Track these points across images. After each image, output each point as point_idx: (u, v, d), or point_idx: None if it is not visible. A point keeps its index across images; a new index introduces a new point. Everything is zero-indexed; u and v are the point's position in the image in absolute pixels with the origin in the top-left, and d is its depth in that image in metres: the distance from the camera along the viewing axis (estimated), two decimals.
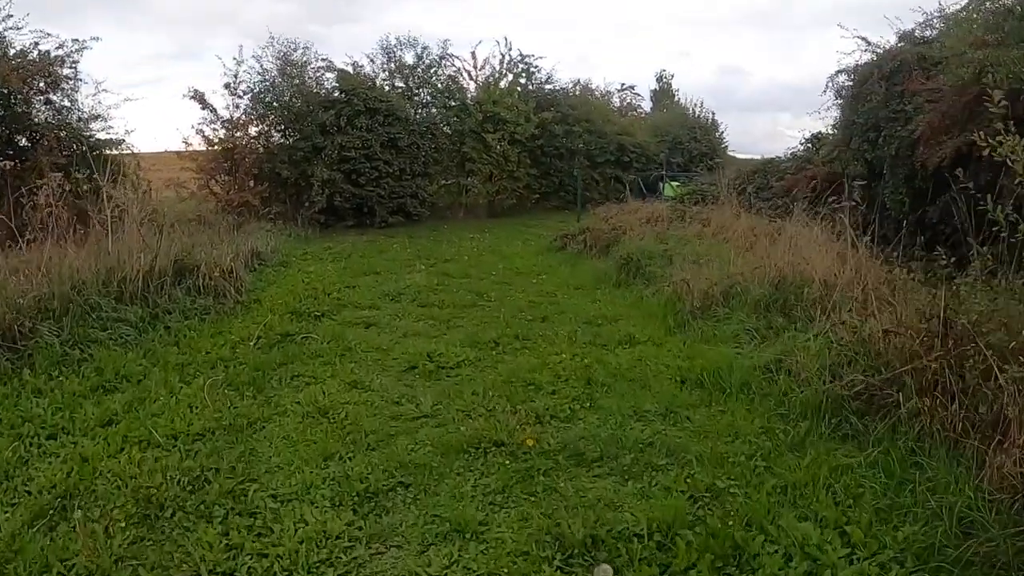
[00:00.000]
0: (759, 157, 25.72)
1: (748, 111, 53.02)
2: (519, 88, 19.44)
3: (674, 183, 18.21)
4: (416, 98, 17.20)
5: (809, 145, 14.02)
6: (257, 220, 13.44)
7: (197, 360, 5.43)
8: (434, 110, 17.53)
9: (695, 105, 23.44)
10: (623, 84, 25.45)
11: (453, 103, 17.79)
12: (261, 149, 14.96)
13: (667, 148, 21.84)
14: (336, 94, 15.24)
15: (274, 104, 14.89)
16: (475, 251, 11.93)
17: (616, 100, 24.94)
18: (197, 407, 4.40)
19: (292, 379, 5.08)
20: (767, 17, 54.27)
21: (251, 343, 5.91)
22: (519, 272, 9.79)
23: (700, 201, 13.59)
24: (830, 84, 13.17)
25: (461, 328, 6.63)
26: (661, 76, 30.03)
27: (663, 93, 29.19)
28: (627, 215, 11.65)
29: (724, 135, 23.61)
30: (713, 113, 23.42)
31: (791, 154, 14.36)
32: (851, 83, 12.89)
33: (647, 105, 28.26)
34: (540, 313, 7.26)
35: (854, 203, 7.90)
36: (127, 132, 11.53)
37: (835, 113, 13.98)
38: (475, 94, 18.41)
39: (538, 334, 6.34)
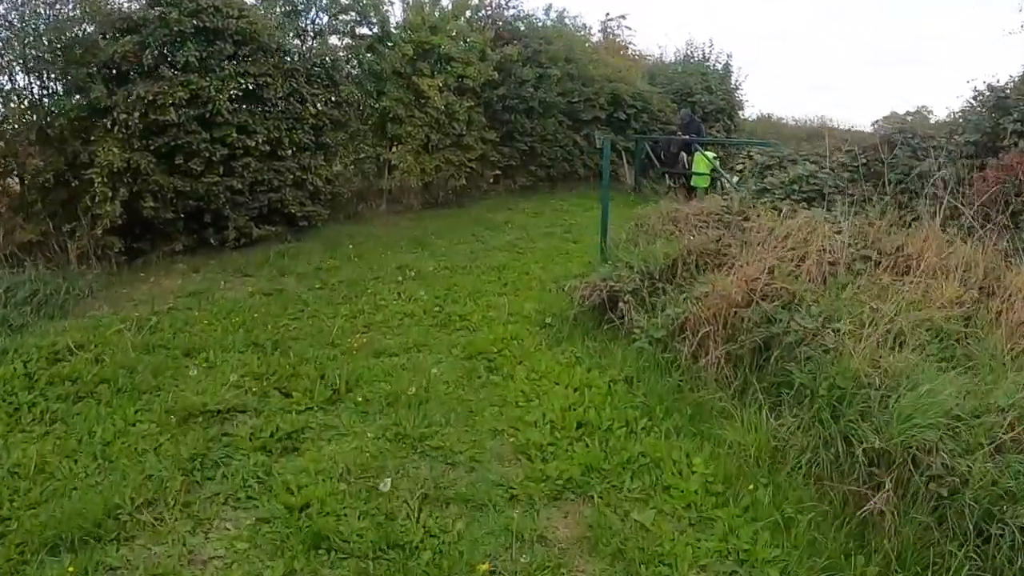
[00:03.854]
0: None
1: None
2: (469, 10, 12.80)
3: (709, 154, 12.06)
4: (303, 21, 10.31)
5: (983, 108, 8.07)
6: None
7: None
8: (335, 40, 10.74)
9: (705, 46, 17.15)
10: (608, 14, 18.74)
11: (367, 31, 11.05)
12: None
13: (676, 101, 15.63)
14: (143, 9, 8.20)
15: (27, 30, 7.79)
16: (413, 334, 5.46)
17: (597, 35, 18.39)
18: None
19: None
20: None
21: None
22: None
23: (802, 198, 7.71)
24: None
25: None
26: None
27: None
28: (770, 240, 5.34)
29: (742, 86, 17.44)
30: (729, 55, 17.20)
31: (960, 117, 8.40)
32: None
33: None
34: None
35: None
36: None
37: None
38: (403, 17, 11.67)
39: None
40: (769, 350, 4.29)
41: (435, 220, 10.95)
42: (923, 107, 33.68)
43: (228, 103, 8.18)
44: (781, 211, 6.66)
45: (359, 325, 5.57)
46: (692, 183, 12.50)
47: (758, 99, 49.80)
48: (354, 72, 10.86)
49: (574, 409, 3.96)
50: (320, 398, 4.12)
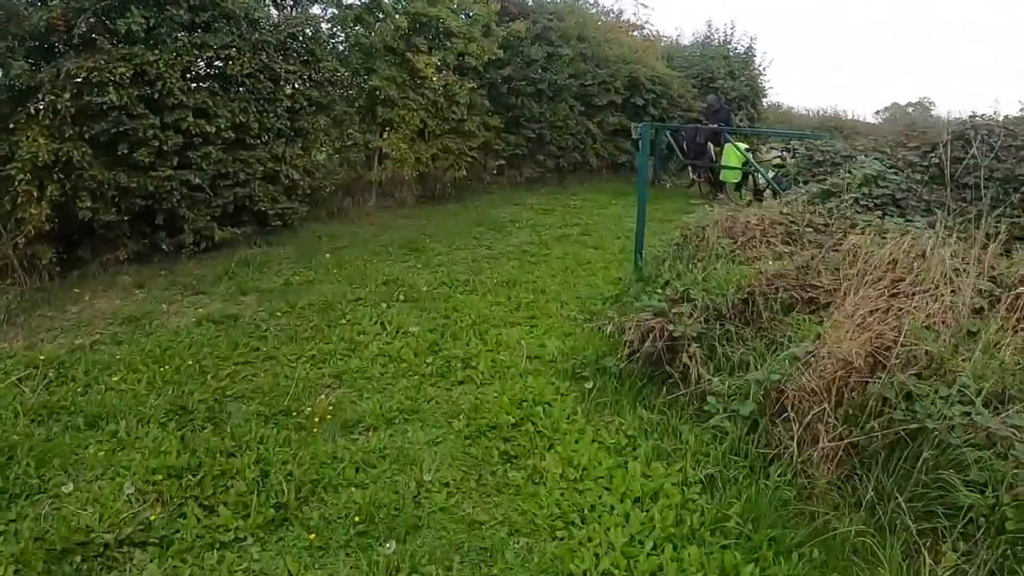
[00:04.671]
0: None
1: None
2: None
3: (741, 146, 10.68)
4: None
5: None
6: None
7: None
8: (316, 10, 9.29)
9: (727, 26, 15.75)
10: None
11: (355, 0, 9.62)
12: None
13: (696, 86, 14.24)
14: None
15: None
16: (399, 392, 4.10)
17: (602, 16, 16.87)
18: None
19: None
20: None
21: None
22: None
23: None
24: None
25: None
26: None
27: None
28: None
29: (765, 70, 16.01)
30: (752, 38, 15.82)
31: None
32: None
33: None
34: None
35: None
36: None
37: None
38: None
39: None
40: (915, 441, 2.97)
41: (431, 218, 9.59)
42: (924, 98, 32.28)
43: (182, 81, 6.80)
44: (855, 222, 5.35)
45: (327, 375, 4.22)
46: (721, 177, 11.15)
47: (773, 82, 48.19)
48: (339, 48, 9.47)
49: (640, 543, 2.64)
50: (258, 518, 2.78)
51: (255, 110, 7.46)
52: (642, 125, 7.42)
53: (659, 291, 4.55)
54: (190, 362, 4.29)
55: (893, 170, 7.08)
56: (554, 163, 12.49)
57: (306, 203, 8.51)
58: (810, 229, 5.40)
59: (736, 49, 15.91)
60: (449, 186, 11.09)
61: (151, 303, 5.75)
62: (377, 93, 9.52)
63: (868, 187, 6.63)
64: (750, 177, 10.78)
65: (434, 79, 9.86)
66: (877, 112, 31.25)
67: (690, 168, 12.16)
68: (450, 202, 10.78)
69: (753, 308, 3.98)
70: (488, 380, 4.16)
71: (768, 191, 10.35)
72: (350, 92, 9.47)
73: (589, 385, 3.89)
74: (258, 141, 7.61)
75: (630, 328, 4.04)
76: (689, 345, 3.76)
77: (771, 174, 10.05)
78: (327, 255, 7.12)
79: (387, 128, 10.13)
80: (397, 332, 4.92)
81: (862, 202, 6.53)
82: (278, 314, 5.38)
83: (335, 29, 9.38)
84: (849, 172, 7.11)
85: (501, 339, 4.84)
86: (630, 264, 6.95)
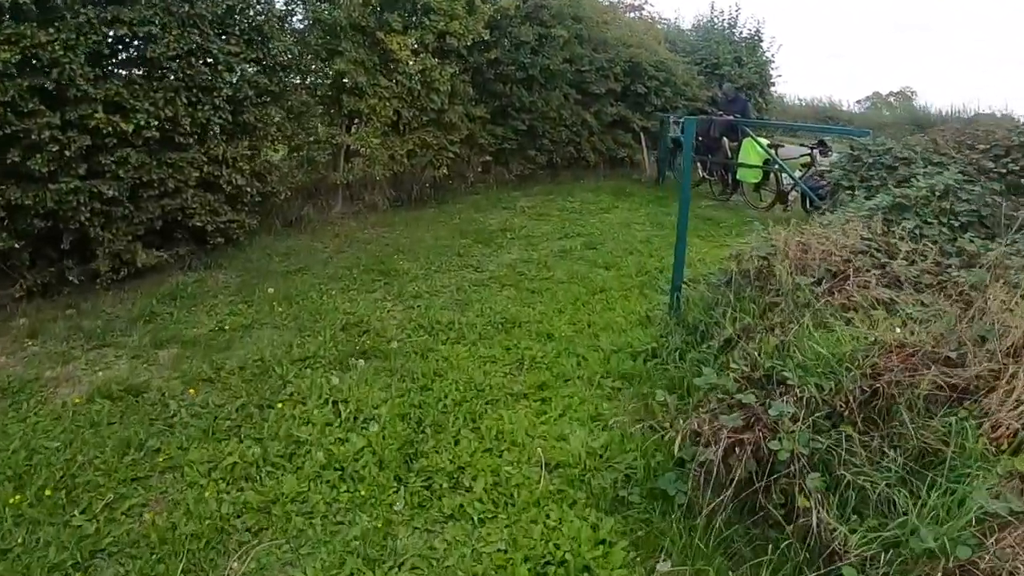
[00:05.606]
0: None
1: None
2: None
3: (763, 141, 9.41)
4: None
5: None
6: None
7: None
8: None
9: (733, 9, 14.46)
10: None
11: None
12: None
13: (702, 73, 12.92)
14: None
15: None
16: (353, 548, 2.73)
17: None
18: None
19: None
20: None
21: None
22: None
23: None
24: None
25: None
26: None
27: None
28: None
29: (773, 57, 14.73)
30: (760, 21, 14.58)
31: None
32: None
33: None
34: None
35: None
36: None
37: None
38: None
39: None
40: None
41: (406, 227, 8.23)
42: (906, 87, 31.53)
43: (87, 68, 5.35)
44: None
45: (248, 507, 2.87)
46: (738, 176, 9.88)
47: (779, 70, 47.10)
48: (298, 26, 8.03)
49: None
50: None
51: (186, 101, 6.02)
52: (684, 118, 6.08)
53: (732, 362, 3.24)
54: (50, 488, 2.91)
55: (966, 178, 5.88)
56: (546, 158, 11.15)
57: (255, 213, 7.11)
58: (904, 262, 4.13)
59: (742, 33, 14.60)
60: (428, 187, 9.73)
61: (39, 363, 4.37)
62: (343, 80, 8.11)
63: (947, 201, 5.39)
64: (771, 176, 9.53)
65: (410, 63, 8.47)
66: (859, 102, 30.22)
67: (699, 164, 10.87)
68: (429, 206, 9.42)
69: (884, 402, 2.68)
70: (490, 514, 2.84)
71: (794, 193, 9.12)
72: (310, 79, 8.05)
73: (628, 492, 2.61)
74: (191, 140, 6.17)
75: (707, 439, 2.73)
76: (802, 472, 2.47)
77: (798, 174, 8.82)
78: (271, 289, 5.72)
79: (355, 120, 8.76)
80: (355, 420, 3.58)
81: (940, 218, 5.32)
82: (199, 380, 4.01)
83: (292, 6, 7.92)
84: (916, 178, 5.87)
85: (503, 428, 3.52)
86: (654, 293, 5.68)
